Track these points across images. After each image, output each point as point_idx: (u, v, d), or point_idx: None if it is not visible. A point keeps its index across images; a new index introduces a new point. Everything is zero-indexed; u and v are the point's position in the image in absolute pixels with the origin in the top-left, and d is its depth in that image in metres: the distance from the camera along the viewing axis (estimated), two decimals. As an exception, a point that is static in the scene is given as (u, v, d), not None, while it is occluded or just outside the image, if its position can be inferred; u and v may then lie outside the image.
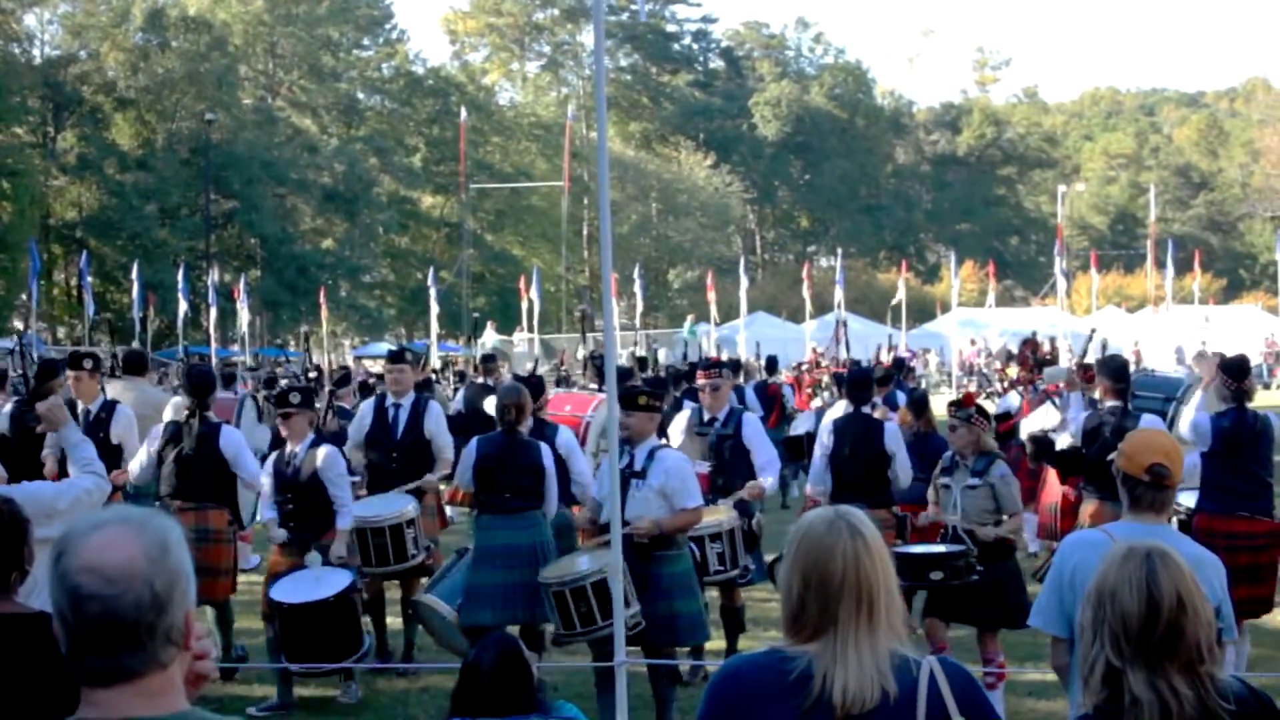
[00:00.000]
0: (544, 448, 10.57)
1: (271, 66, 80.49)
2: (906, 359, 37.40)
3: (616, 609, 8.39)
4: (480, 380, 19.71)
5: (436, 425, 12.17)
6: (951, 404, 10.39)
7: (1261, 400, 45.91)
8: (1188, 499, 11.01)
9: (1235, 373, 10.90)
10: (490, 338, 54.10)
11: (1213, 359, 11.91)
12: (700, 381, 11.80)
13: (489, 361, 21.67)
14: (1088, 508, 11.28)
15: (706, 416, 11.21)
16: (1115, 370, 11.77)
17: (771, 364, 26.72)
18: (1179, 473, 5.62)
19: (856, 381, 12.47)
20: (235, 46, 73.09)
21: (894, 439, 11.61)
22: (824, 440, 11.82)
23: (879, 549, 3.69)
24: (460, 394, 19.82)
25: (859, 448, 11.35)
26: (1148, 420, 10.90)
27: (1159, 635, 3.68)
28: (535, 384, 12.61)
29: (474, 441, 10.57)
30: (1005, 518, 9.92)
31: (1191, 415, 11.12)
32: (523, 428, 10.46)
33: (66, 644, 2.84)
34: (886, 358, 32.81)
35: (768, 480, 11.60)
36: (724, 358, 29.11)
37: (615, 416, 8.51)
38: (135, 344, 47.94)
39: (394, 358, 12.72)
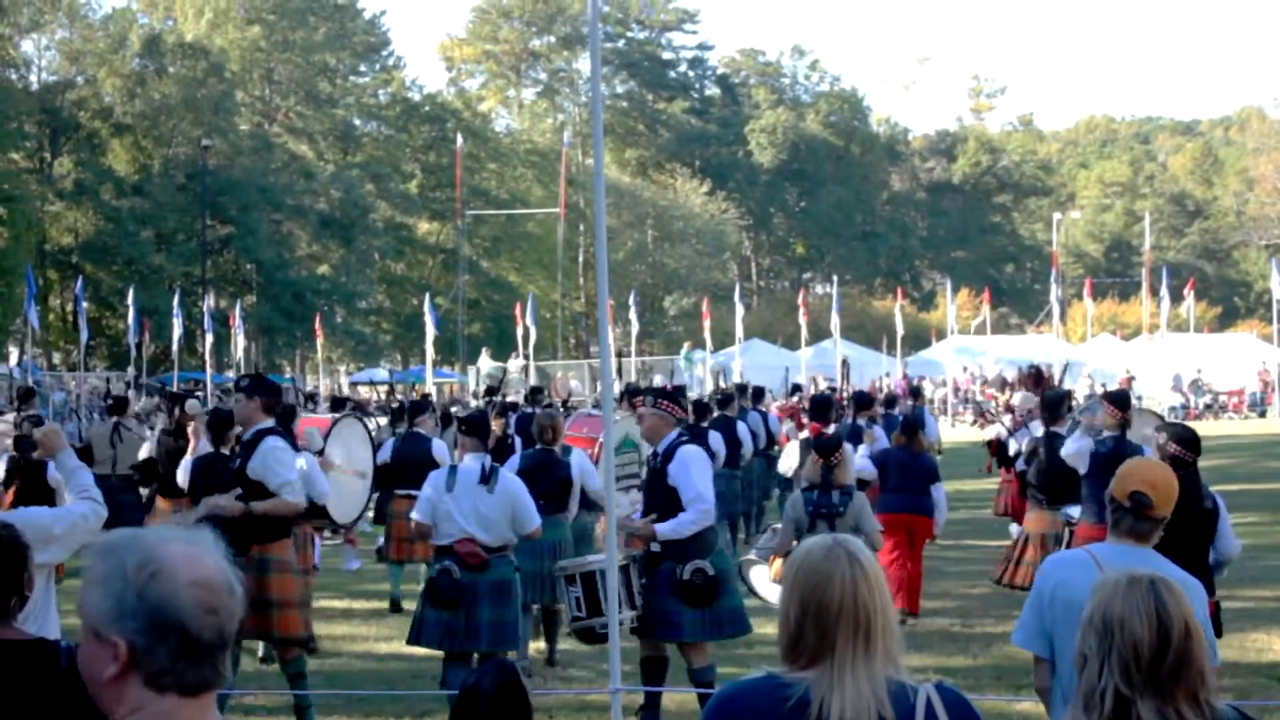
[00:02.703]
0: (572, 464, 12.47)
1: (268, 92, 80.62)
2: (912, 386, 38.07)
3: (612, 625, 8.40)
4: (531, 410, 20.13)
5: (262, 464, 10.46)
6: None
7: (1258, 428, 45.99)
8: (1076, 510, 12.30)
9: (1119, 404, 12.36)
10: (485, 364, 54.01)
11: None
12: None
13: (537, 393, 22.62)
14: (1030, 516, 13.30)
15: (649, 450, 10.91)
16: (1048, 401, 13.85)
17: (796, 389, 29.21)
18: (1164, 504, 5.57)
19: (818, 406, 14.54)
20: (232, 72, 73.17)
21: (857, 459, 13.17)
22: (800, 459, 13.28)
23: (877, 576, 3.70)
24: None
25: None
26: (1073, 440, 12.38)
27: (1169, 663, 3.68)
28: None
29: (515, 456, 12.56)
30: None
31: (1077, 445, 12.29)
32: (556, 446, 12.34)
33: (166, 657, 2.80)
34: (893, 386, 34.15)
35: (681, 520, 9.91)
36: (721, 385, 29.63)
37: (611, 434, 8.75)
38: (130, 369, 48.03)
39: (234, 387, 11.96)
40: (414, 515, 10.45)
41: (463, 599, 10.04)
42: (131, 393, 42.93)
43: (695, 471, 9.97)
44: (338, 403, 25.38)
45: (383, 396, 47.70)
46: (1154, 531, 5.61)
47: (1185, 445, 9.61)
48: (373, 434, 18.15)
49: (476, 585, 10.06)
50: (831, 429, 15.53)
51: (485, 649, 10.23)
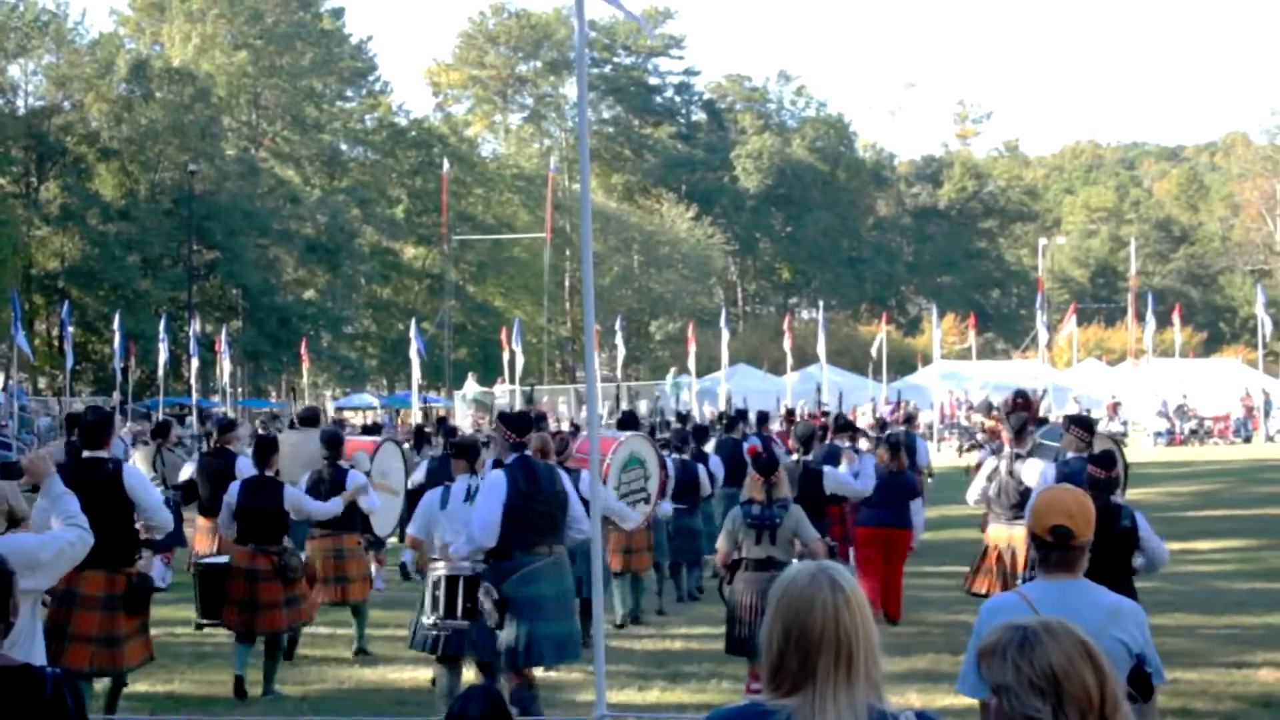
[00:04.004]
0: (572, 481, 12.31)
1: (255, 118, 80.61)
2: (896, 412, 38.42)
3: (598, 649, 8.40)
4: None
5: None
6: None
7: (1244, 454, 46.00)
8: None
9: (1085, 427, 13.32)
10: (471, 389, 54.02)
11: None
12: None
13: (542, 419, 23.51)
14: (991, 529, 14.28)
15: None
16: (1014, 423, 14.74)
17: (790, 414, 29.66)
18: (1085, 529, 5.51)
19: (802, 437, 15.40)
20: (219, 98, 73.15)
21: (831, 482, 14.54)
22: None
23: (860, 603, 3.69)
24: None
25: (804, 489, 13.32)
26: (1032, 463, 13.71)
27: (1111, 702, 3.65)
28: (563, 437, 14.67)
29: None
30: None
31: (1036, 466, 13.62)
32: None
33: None
34: (883, 410, 34.79)
35: (458, 544, 10.59)
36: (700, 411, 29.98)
37: (597, 456, 8.81)
38: (116, 394, 47.92)
39: None
40: (409, 530, 11.32)
41: None
42: (118, 417, 42.88)
43: (481, 498, 10.24)
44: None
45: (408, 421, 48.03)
46: (1082, 559, 5.54)
47: (1098, 464, 10.24)
48: (406, 457, 19.53)
49: None
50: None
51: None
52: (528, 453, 10.37)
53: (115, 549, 10.11)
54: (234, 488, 12.98)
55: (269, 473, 12.90)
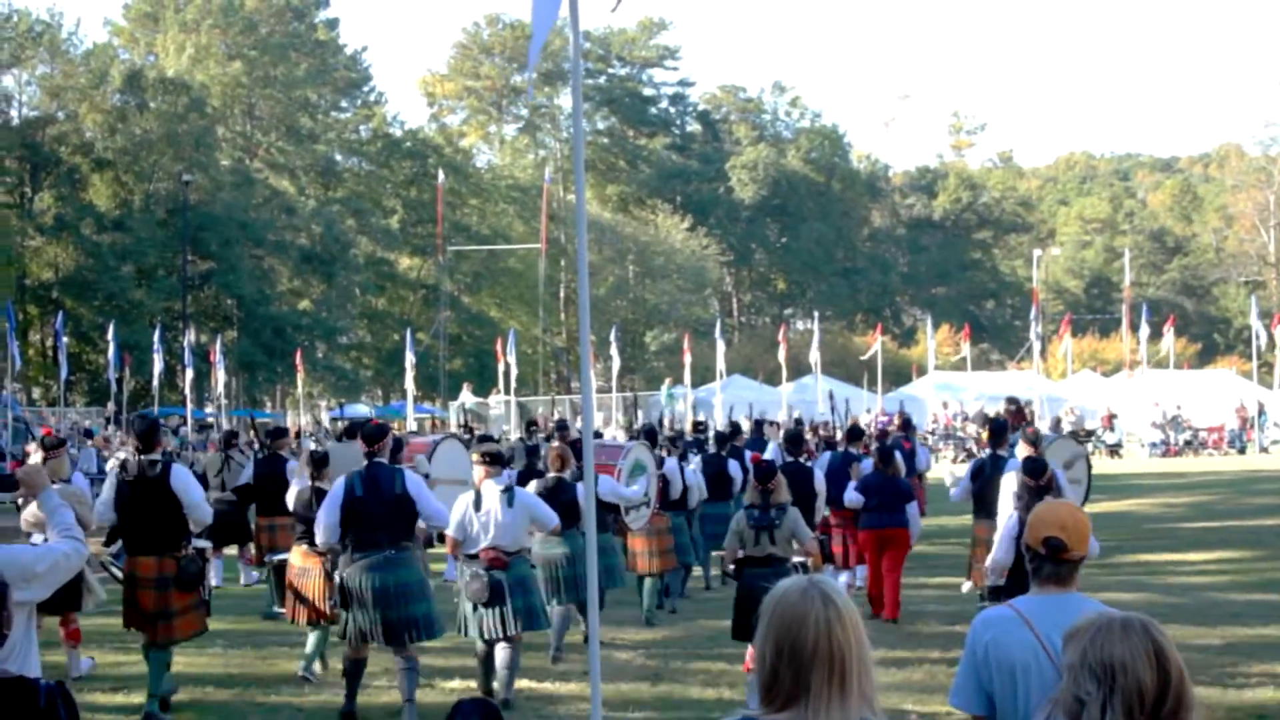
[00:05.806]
0: (577, 487, 14.04)
1: (249, 128, 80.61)
2: (886, 421, 38.77)
3: (593, 659, 8.40)
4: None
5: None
6: None
7: (1238, 465, 45.97)
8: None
9: (1030, 443, 14.20)
10: (467, 399, 53.89)
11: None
12: None
13: (563, 428, 25.26)
14: (977, 524, 15.89)
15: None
16: (992, 429, 16.76)
17: (798, 423, 31.95)
18: (1079, 544, 5.41)
19: (790, 438, 17.59)
20: (213, 108, 73.11)
21: (819, 482, 16.31)
22: None
23: (852, 617, 3.69)
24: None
25: (792, 486, 13.59)
26: (1013, 465, 14.20)
27: (1170, 704, 3.70)
28: (576, 445, 15.67)
29: (532, 483, 14.40)
30: None
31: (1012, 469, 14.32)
32: (565, 473, 14.56)
33: None
34: (881, 423, 35.68)
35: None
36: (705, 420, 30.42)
37: (591, 465, 8.87)
38: (110, 404, 47.86)
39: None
40: (448, 532, 12.48)
41: (494, 594, 12.11)
42: (111, 428, 42.88)
43: (323, 503, 12.20)
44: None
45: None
46: (1074, 573, 5.43)
47: (1029, 475, 11.41)
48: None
49: (504, 581, 12.18)
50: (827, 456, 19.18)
51: (520, 631, 12.34)
52: (379, 460, 11.89)
53: (164, 537, 11.91)
54: (290, 494, 14.94)
55: (321, 484, 14.25)
